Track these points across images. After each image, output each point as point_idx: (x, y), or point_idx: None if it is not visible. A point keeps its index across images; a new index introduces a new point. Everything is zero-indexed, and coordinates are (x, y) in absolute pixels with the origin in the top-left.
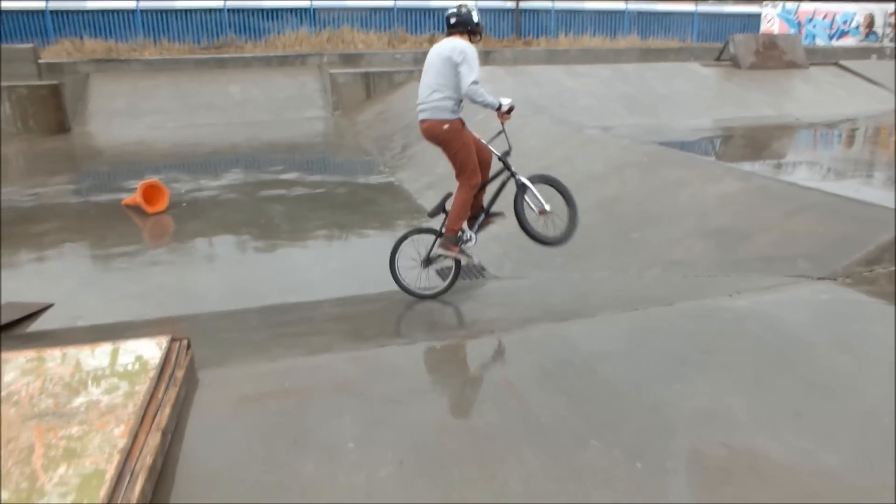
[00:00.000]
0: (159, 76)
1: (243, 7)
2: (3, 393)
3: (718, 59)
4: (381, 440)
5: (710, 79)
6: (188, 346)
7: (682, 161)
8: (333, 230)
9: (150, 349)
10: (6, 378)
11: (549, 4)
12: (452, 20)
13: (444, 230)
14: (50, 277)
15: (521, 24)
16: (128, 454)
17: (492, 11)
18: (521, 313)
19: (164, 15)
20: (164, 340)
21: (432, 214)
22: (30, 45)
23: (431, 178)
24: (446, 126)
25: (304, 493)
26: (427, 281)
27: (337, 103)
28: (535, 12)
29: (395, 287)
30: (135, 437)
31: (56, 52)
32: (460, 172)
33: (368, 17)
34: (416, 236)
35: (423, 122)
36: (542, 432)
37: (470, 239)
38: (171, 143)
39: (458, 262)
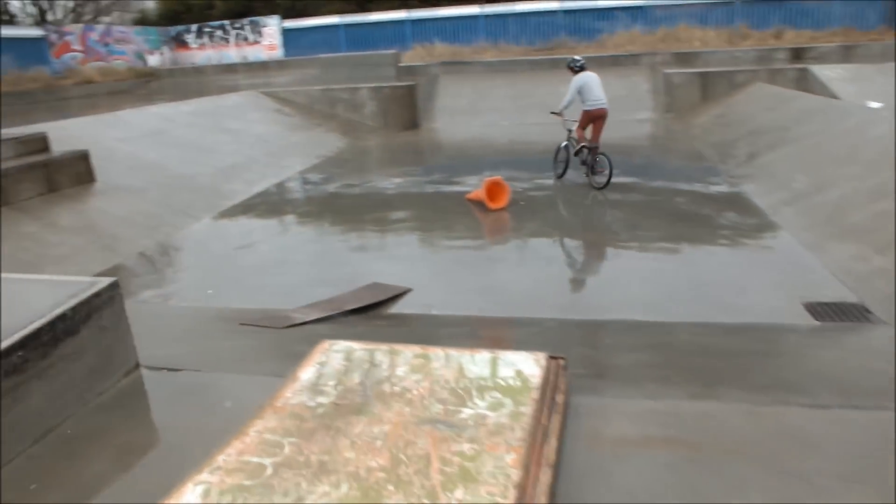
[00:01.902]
0: (497, 77)
1: (577, 8)
2: (396, 388)
3: None
4: None
5: None
6: (565, 367)
7: None
8: (675, 242)
9: (529, 365)
10: (398, 371)
11: None
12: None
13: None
14: (406, 262)
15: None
16: (523, 490)
17: None
18: None
19: (503, 19)
20: (542, 357)
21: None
22: (393, 51)
23: (787, 193)
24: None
25: None
26: None
27: (670, 105)
28: None
29: (761, 320)
30: (527, 470)
31: (412, 56)
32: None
33: (706, 13)
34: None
35: (602, 108)
36: None
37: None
38: (507, 140)
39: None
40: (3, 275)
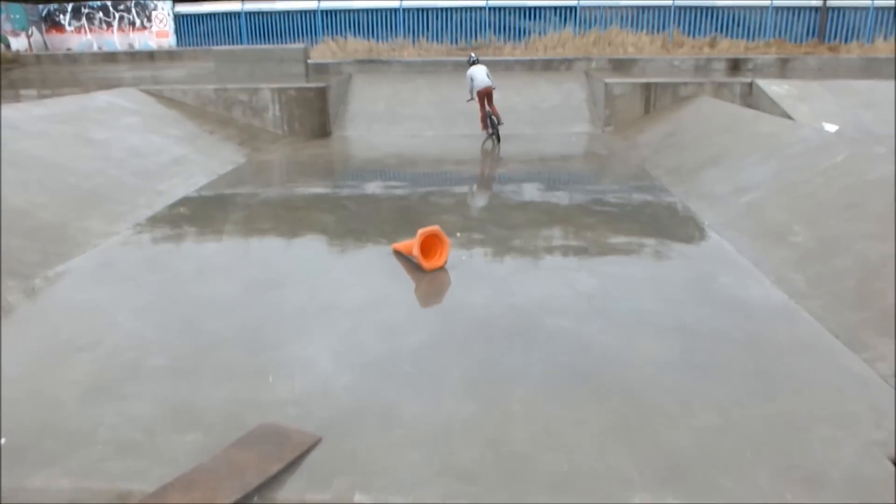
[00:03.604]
0: (418, 79)
1: (503, 5)
2: None
3: None
4: None
5: None
6: None
7: None
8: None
9: None
10: None
11: (866, 1)
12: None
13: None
14: (312, 373)
15: (826, 24)
16: None
17: (787, 10)
18: None
19: (423, 13)
20: None
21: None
22: (301, 46)
23: (791, 251)
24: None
25: None
26: None
27: (609, 118)
28: (845, 10)
29: None
30: None
31: (321, 51)
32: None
33: (639, 16)
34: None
35: (487, 87)
36: None
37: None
38: (434, 156)
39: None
40: None
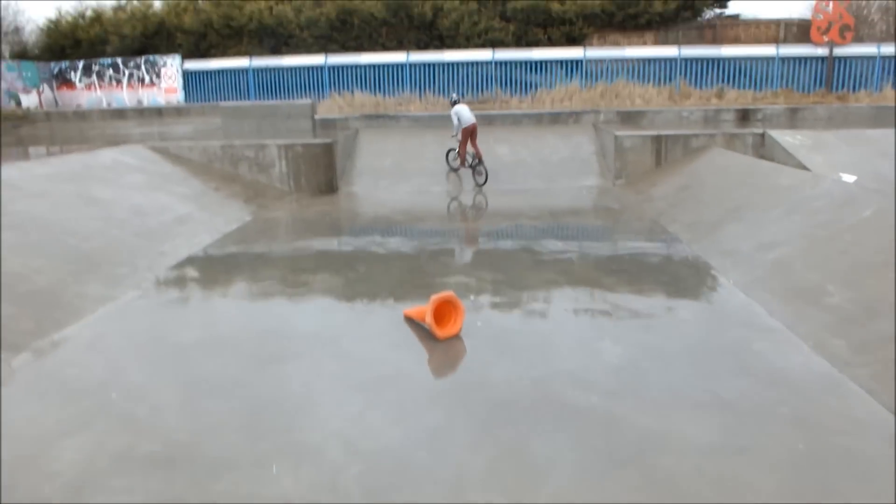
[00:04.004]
0: (426, 133)
1: (509, 59)
2: None
3: None
4: None
5: None
6: None
7: None
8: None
9: None
10: None
11: (872, 50)
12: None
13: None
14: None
15: (834, 74)
16: None
17: (794, 60)
18: None
19: (430, 67)
20: None
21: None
22: (308, 101)
23: (828, 314)
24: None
25: None
26: None
27: (620, 171)
28: (851, 60)
29: None
30: None
31: (328, 106)
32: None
33: (645, 69)
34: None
35: (472, 124)
36: None
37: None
38: (442, 213)
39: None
40: None
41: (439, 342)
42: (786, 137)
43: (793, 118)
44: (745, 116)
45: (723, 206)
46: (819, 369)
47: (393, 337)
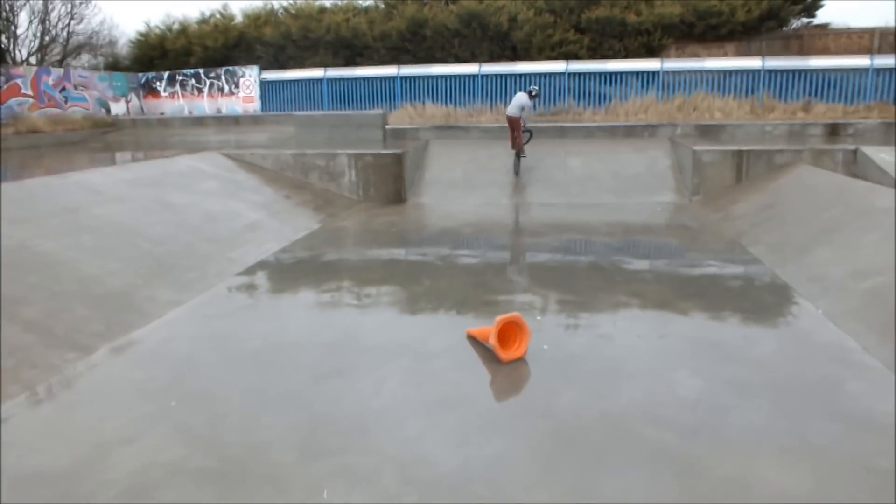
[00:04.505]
0: (496, 145)
1: (583, 70)
2: None
3: None
4: None
5: None
6: None
7: None
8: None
9: None
10: None
11: None
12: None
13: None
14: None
15: None
16: None
17: (891, 71)
18: None
19: (502, 78)
20: None
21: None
22: (380, 112)
23: None
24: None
25: None
26: None
27: (697, 187)
28: None
29: None
30: None
31: (399, 116)
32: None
33: (726, 81)
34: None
35: (508, 116)
36: None
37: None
38: (511, 227)
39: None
40: None
41: (503, 364)
42: (881, 155)
43: (888, 134)
44: (834, 131)
45: (811, 228)
46: None
47: (456, 356)
